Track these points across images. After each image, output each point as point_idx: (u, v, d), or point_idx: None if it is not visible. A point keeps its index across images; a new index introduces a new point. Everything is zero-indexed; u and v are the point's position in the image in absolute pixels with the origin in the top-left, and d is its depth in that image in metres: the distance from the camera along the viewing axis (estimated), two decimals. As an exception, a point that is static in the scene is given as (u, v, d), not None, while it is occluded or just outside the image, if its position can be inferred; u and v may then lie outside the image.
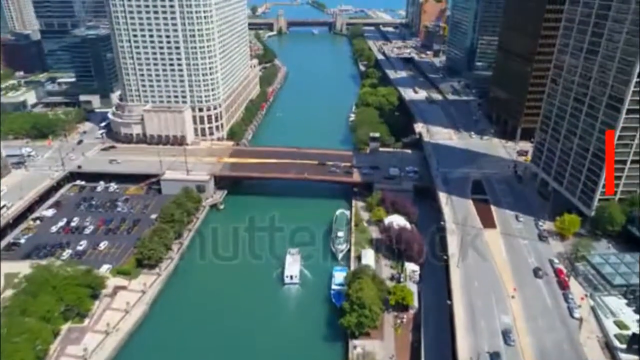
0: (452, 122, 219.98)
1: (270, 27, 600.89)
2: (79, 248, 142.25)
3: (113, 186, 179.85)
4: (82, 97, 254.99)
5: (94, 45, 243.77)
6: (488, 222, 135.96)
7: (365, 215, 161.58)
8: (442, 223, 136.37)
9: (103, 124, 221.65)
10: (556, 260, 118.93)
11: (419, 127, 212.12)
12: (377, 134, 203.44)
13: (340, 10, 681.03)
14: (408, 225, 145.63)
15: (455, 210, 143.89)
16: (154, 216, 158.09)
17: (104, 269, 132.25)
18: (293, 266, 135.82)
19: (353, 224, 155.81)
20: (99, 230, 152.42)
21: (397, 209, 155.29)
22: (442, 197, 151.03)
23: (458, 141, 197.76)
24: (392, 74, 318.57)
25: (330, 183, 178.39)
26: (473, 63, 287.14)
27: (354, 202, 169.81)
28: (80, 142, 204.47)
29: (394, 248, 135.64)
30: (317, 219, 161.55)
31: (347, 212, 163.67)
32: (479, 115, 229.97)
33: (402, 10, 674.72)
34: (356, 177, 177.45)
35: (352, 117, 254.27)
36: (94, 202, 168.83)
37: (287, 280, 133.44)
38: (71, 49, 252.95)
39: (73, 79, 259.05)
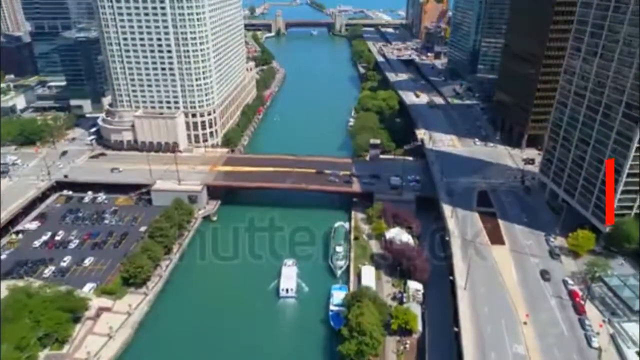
0: (455, 128, 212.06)
1: (268, 28, 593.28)
2: (63, 264, 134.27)
3: (101, 196, 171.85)
4: (73, 102, 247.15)
5: (85, 48, 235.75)
6: (496, 237, 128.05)
7: (365, 228, 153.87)
8: (447, 239, 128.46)
9: (93, 130, 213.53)
10: (570, 281, 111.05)
11: (420, 133, 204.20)
12: (377, 141, 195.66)
13: (340, 11, 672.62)
14: (411, 241, 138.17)
15: (460, 223, 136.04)
16: (143, 229, 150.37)
17: (88, 287, 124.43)
18: (289, 279, 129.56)
19: (352, 237, 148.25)
20: (85, 245, 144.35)
21: (398, 222, 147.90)
22: (447, 209, 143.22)
23: (462, 148, 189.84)
24: (392, 77, 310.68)
25: (328, 193, 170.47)
26: (476, 66, 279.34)
27: (353, 213, 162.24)
28: (64, 152, 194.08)
29: (395, 265, 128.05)
30: (314, 230, 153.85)
31: (346, 225, 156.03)
32: (483, 120, 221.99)
33: (402, 10, 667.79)
34: (356, 187, 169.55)
35: (352, 122, 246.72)
36: (80, 214, 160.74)
37: (282, 293, 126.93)
38: (61, 51, 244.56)
39: (64, 83, 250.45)
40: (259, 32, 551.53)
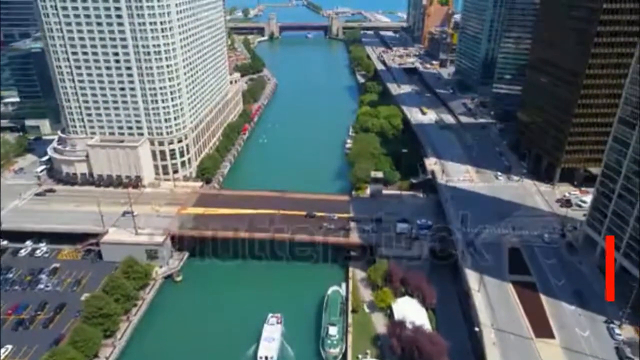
0: (470, 155, 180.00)
1: (261, 31, 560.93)
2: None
3: (42, 248, 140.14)
4: (29, 122, 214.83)
5: (41, 60, 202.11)
6: (541, 326, 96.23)
7: (366, 294, 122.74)
8: (475, 329, 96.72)
9: (45, 158, 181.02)
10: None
11: (431, 163, 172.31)
12: (379, 174, 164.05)
13: (337, 13, 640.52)
14: (425, 320, 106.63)
15: (491, 301, 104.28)
16: (86, 296, 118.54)
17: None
18: (270, 342, 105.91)
19: (350, 308, 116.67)
20: (6, 324, 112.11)
21: (408, 289, 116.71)
22: (471, 276, 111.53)
23: (481, 184, 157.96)
24: (394, 89, 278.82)
25: (321, 245, 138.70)
26: (488, 77, 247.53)
27: (351, 270, 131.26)
28: None
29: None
30: (304, 293, 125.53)
31: (343, 289, 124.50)
32: (503, 145, 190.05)
33: (402, 12, 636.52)
34: (354, 236, 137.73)
35: (349, 143, 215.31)
36: (10, 276, 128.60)
37: None
38: (13, 64, 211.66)
39: (17, 99, 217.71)
40: (250, 36, 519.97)
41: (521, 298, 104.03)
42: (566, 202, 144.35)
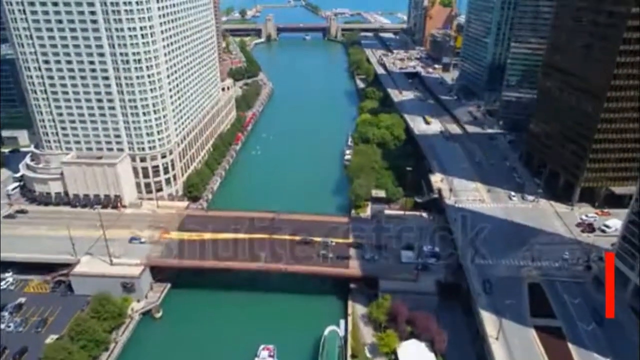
0: (479, 170, 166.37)
1: (258, 33, 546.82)
2: None
3: (9, 279, 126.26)
4: (5, 133, 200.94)
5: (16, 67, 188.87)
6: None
7: (367, 334, 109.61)
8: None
9: (18, 175, 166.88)
10: None
11: (437, 180, 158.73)
12: (381, 193, 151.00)
13: (335, 14, 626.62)
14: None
15: (511, 350, 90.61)
16: (52, 338, 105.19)
17: None
18: None
19: (349, 353, 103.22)
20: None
21: (415, 332, 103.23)
22: (487, 319, 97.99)
23: (493, 205, 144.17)
24: (395, 95, 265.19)
25: (318, 276, 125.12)
26: (495, 83, 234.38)
27: (350, 304, 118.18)
28: None
29: None
30: (298, 329, 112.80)
31: (341, 329, 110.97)
32: (513, 159, 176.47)
33: (402, 13, 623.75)
34: (354, 266, 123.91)
35: (348, 154, 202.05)
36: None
37: None
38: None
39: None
40: (247, 38, 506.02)
41: (546, 347, 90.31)
42: (588, 227, 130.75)
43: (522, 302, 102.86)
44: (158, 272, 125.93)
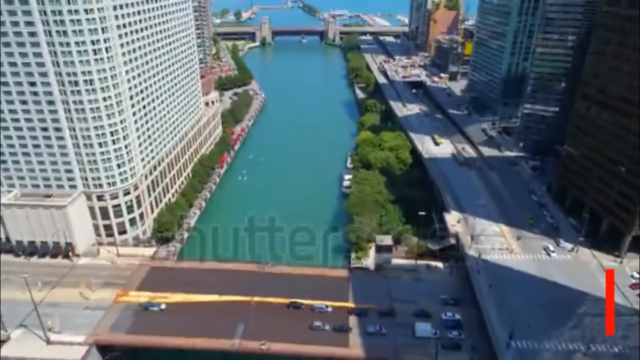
0: (502, 208, 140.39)
1: (252, 36, 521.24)
2: None
3: None
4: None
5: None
6: None
7: None
8: None
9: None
10: None
11: (453, 220, 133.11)
12: (387, 240, 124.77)
13: (333, 16, 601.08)
14: None
15: None
16: None
17: None
18: None
19: None
20: None
21: None
22: None
23: (523, 257, 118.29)
24: (399, 109, 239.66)
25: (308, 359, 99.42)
26: (511, 96, 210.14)
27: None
28: None
29: None
30: None
31: None
32: (540, 190, 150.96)
33: (402, 15, 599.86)
34: (355, 344, 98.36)
35: (347, 179, 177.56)
36: None
37: None
38: None
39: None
40: (240, 42, 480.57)
41: None
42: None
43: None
44: (109, 350, 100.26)
